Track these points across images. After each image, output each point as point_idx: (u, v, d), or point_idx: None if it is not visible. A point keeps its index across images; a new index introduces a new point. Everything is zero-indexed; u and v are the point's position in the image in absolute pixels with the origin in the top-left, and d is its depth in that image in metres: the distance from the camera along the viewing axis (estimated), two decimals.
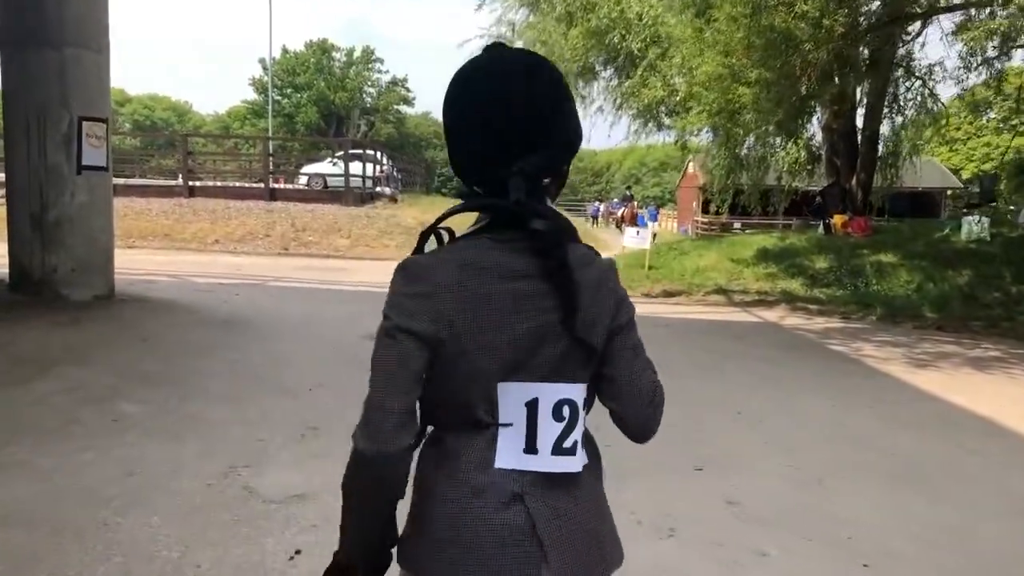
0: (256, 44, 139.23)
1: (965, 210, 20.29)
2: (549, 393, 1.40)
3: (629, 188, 42.86)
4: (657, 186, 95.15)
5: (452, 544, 1.38)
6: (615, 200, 55.37)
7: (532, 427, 1.39)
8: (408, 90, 76.05)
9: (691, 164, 48.41)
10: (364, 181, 24.88)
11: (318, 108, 70.33)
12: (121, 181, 26.32)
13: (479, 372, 1.37)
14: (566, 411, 1.41)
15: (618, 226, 32.81)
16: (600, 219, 48.48)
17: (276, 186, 26.96)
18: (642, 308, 11.28)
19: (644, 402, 1.52)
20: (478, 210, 1.44)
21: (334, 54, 73.42)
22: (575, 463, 1.43)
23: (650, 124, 19.51)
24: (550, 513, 1.40)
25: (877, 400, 7.14)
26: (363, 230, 21.09)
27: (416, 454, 1.43)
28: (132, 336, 7.77)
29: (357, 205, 23.19)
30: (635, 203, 32.11)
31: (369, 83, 74.69)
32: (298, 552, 3.52)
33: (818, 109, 19.56)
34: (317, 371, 6.81)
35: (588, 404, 1.49)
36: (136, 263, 15.08)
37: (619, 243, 29.49)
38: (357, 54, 73.69)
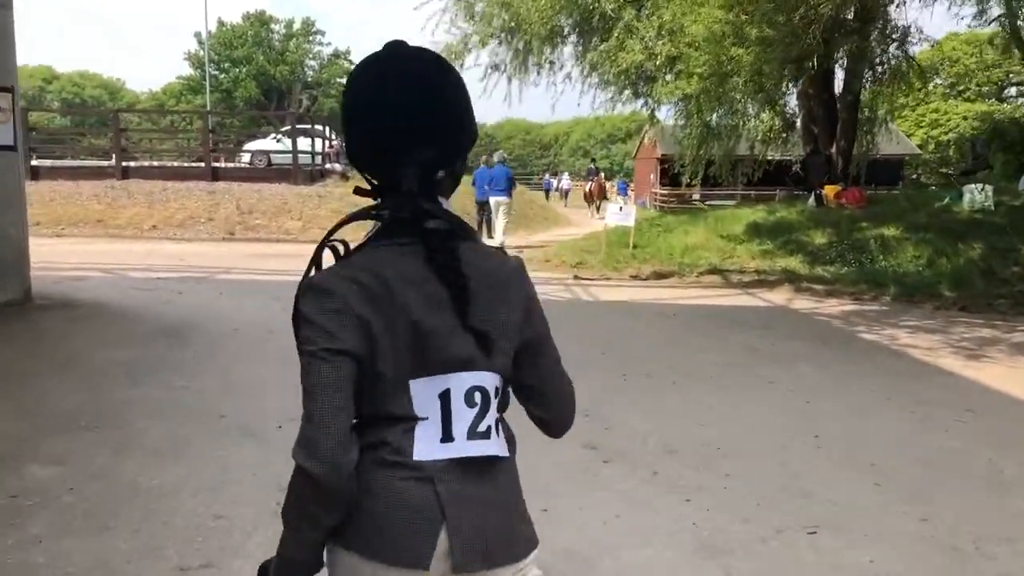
0: (191, 17, 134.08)
1: (961, 178, 19.35)
2: (460, 382, 1.44)
3: (594, 161, 41.36)
4: (606, 158, 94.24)
5: (365, 512, 1.42)
6: (563, 175, 53.88)
7: (447, 417, 1.44)
8: (351, 62, 73.46)
9: (647, 135, 47.51)
10: (313, 158, 23.21)
11: (258, 83, 67.58)
12: (48, 163, 24.32)
13: (393, 373, 1.41)
14: (478, 397, 1.46)
15: (587, 200, 31.31)
16: (555, 194, 47.06)
17: (218, 165, 25.13)
18: (635, 293, 9.80)
19: (569, 413, 1.67)
20: (370, 218, 1.47)
21: (273, 26, 70.60)
22: (491, 446, 1.47)
23: (626, 91, 18.19)
24: (458, 497, 1.43)
25: (959, 409, 5.98)
26: (315, 211, 19.50)
27: None
28: (49, 357, 6.27)
29: (307, 184, 21.56)
30: (602, 176, 30.76)
31: (310, 56, 72.08)
32: None
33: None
34: (286, 399, 5.37)
35: (501, 395, 1.52)
36: (64, 255, 13.39)
37: (588, 221, 28.42)
38: (297, 26, 70.96)
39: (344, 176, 25.00)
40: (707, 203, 40.81)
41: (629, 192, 30.82)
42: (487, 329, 1.44)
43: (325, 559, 1.50)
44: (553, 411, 1.64)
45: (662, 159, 42.42)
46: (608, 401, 5.81)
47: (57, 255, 13.56)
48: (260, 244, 17.06)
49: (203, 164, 21.90)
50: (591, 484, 4.31)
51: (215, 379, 5.78)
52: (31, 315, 7.85)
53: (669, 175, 36.68)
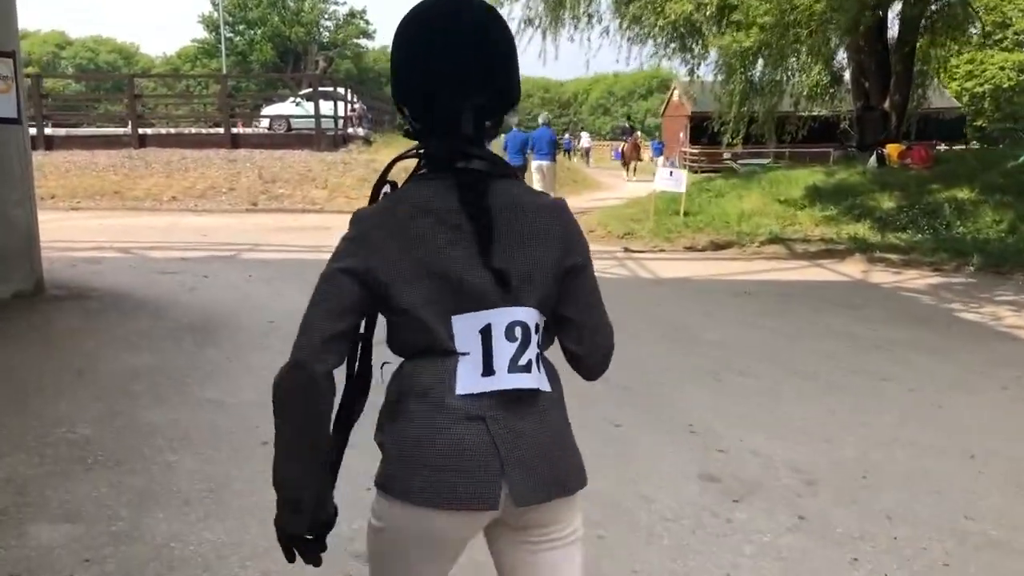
0: None
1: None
2: (500, 317, 1.46)
3: (629, 119, 39.88)
4: (625, 116, 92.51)
5: (418, 461, 1.44)
6: (583, 134, 52.02)
7: (488, 351, 1.46)
8: (368, 22, 72.09)
9: (676, 92, 46.01)
10: (336, 122, 22.26)
11: (273, 45, 66.31)
12: (62, 132, 23.51)
13: (433, 307, 1.45)
14: (518, 332, 1.47)
15: (624, 164, 29.83)
16: (576, 154, 45.59)
17: (237, 131, 24.24)
18: (694, 267, 8.59)
19: (604, 350, 1.63)
20: (416, 157, 1.53)
21: None
22: (531, 380, 1.48)
23: (672, 45, 17.04)
24: (509, 434, 1.46)
25: None
26: (340, 178, 18.61)
27: (384, 386, 1.56)
28: (59, 366, 5.45)
29: (330, 150, 20.64)
30: (638, 135, 29.44)
31: (326, 16, 70.62)
32: None
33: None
34: None
35: (542, 334, 1.52)
36: (80, 231, 12.62)
37: (621, 185, 27.26)
38: None
39: (367, 141, 24.06)
40: (739, 162, 39.71)
41: (664, 153, 29.33)
42: (508, 267, 1.46)
43: (379, 521, 1.53)
44: (586, 345, 1.61)
45: (692, 117, 41.17)
46: (710, 412, 4.95)
47: (74, 231, 12.80)
48: (285, 215, 16.22)
49: (222, 130, 21.00)
50: (728, 536, 3.46)
51: (252, 390, 4.95)
52: (42, 309, 7.05)
53: (701, 133, 35.13)
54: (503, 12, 17.40)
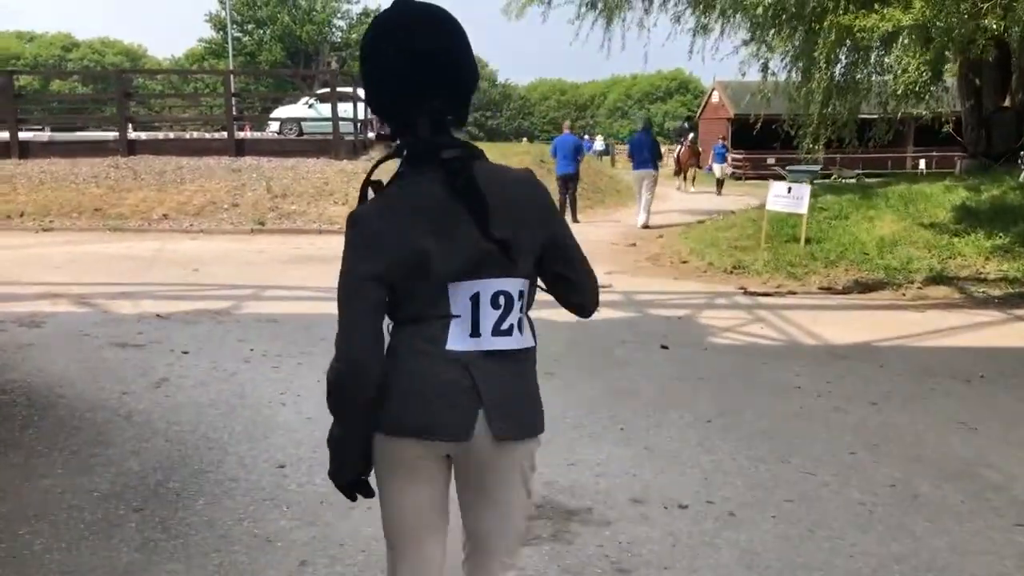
0: None
1: None
2: (487, 287, 1.75)
3: (689, 120, 36.79)
4: (685, 116, 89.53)
5: (407, 395, 1.76)
6: (597, 138, 48.37)
7: (476, 315, 1.75)
8: None
9: (715, 93, 43.11)
10: (356, 126, 19.47)
11: (283, 45, 63.61)
12: (44, 136, 20.76)
13: (433, 282, 1.72)
14: (502, 300, 1.76)
15: (679, 172, 26.39)
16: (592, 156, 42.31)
17: (243, 135, 21.49)
18: (858, 323, 7.33)
19: (595, 294, 1.96)
20: (396, 157, 1.79)
21: None
22: (511, 342, 1.79)
23: (771, 32, 14.16)
24: (488, 377, 1.77)
25: None
26: None
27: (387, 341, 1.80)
28: None
29: (350, 158, 17.85)
30: (692, 139, 26.30)
31: (338, 15, 67.82)
32: None
33: None
34: None
35: (525, 297, 1.83)
36: (38, 266, 9.87)
37: (674, 195, 24.18)
38: None
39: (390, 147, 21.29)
40: (788, 168, 36.76)
41: (728, 159, 25.91)
42: (507, 237, 1.72)
43: (376, 451, 1.83)
44: (583, 296, 1.94)
45: (734, 119, 38.25)
46: None
47: (31, 264, 10.04)
48: (298, 238, 13.42)
49: (225, 135, 18.23)
50: None
51: None
52: None
53: (744, 137, 32.16)
54: None
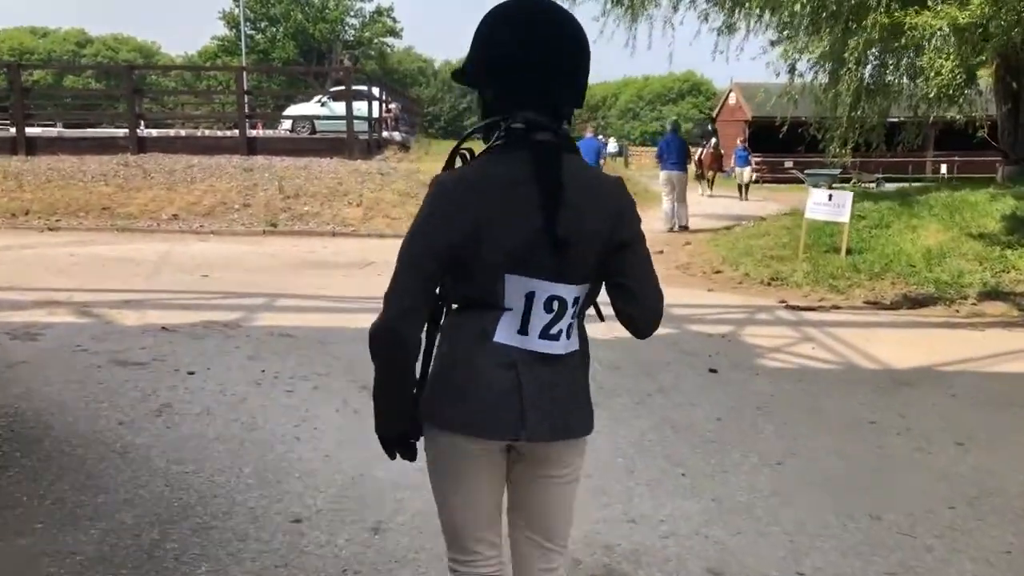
0: None
1: None
2: (544, 289, 1.73)
3: (713, 121, 36.06)
4: (656, 120, 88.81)
5: (456, 390, 1.77)
6: (611, 139, 47.43)
7: (527, 313, 1.74)
8: (395, 20, 68.73)
9: (733, 94, 42.42)
10: (371, 125, 18.96)
11: (296, 43, 63.15)
12: (54, 132, 20.35)
13: (492, 266, 1.71)
14: (555, 305, 1.75)
15: (700, 176, 25.27)
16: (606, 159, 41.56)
17: (255, 133, 21.01)
18: (911, 343, 6.72)
19: (657, 311, 1.86)
20: (491, 129, 1.77)
21: None
22: (557, 347, 1.77)
23: (793, 32, 13.58)
24: (535, 381, 1.76)
25: None
26: (377, 192, 15.31)
27: (442, 324, 1.85)
28: None
29: (364, 157, 17.34)
30: (715, 143, 25.46)
31: (351, 13, 67.30)
32: None
33: None
34: None
35: (580, 303, 1.81)
36: (41, 268, 9.42)
37: (695, 198, 23.27)
38: None
39: (404, 147, 20.78)
40: (806, 172, 36.05)
41: (751, 161, 24.87)
42: (570, 235, 1.70)
43: (428, 444, 1.87)
44: (640, 308, 1.84)
45: (752, 122, 37.57)
46: None
47: (33, 266, 9.58)
48: (312, 240, 12.92)
49: (237, 133, 17.74)
50: None
51: None
52: None
53: (762, 140, 31.41)
54: None
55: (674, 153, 14.95)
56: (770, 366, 6.26)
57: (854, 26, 12.67)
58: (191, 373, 5.40)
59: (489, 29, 1.76)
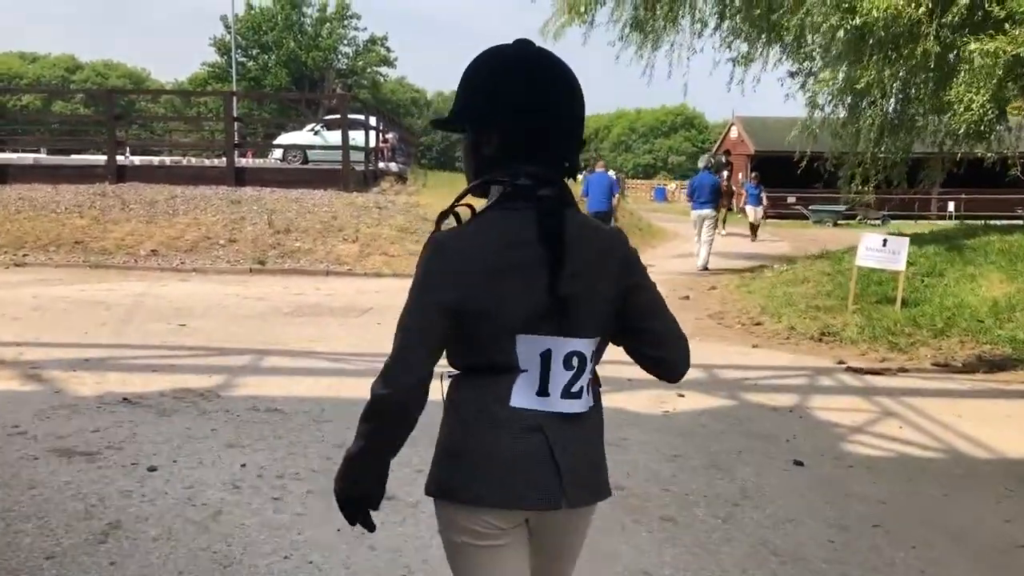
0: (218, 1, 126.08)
1: None
2: (561, 346, 1.63)
3: (727, 154, 35.11)
4: (649, 153, 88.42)
5: (482, 464, 1.61)
6: (611, 171, 46.20)
7: (545, 373, 1.63)
8: (389, 50, 68.08)
9: (734, 128, 41.66)
10: (367, 156, 17.95)
11: (288, 70, 62.30)
12: (29, 159, 19.21)
13: (502, 327, 1.60)
14: (575, 361, 1.64)
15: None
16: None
17: (245, 161, 19.96)
18: (1001, 416, 6.30)
19: (683, 352, 1.76)
20: (492, 184, 1.67)
21: (305, 9, 64.97)
22: (580, 405, 1.67)
23: (823, 63, 12.63)
24: (564, 443, 1.64)
25: None
26: (375, 227, 14.25)
27: (446, 394, 1.71)
28: None
29: (360, 189, 16.29)
30: (725, 176, 24.40)
31: (345, 42, 66.59)
32: None
33: None
34: None
35: (597, 356, 1.72)
36: None
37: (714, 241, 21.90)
38: (331, 9, 65.32)
39: (401, 178, 19.76)
40: (811, 208, 35.23)
41: (763, 199, 23.42)
42: (573, 293, 1.61)
43: (450, 529, 1.67)
44: (665, 349, 1.75)
45: (754, 156, 36.77)
46: None
47: None
48: (303, 280, 11.81)
49: (224, 162, 16.67)
50: None
51: None
52: None
53: (765, 175, 30.26)
54: (606, 9, 13.29)
55: (707, 191, 14.71)
56: (862, 454, 5.17)
57: (894, 56, 11.77)
58: (152, 469, 4.26)
59: (490, 79, 1.68)
